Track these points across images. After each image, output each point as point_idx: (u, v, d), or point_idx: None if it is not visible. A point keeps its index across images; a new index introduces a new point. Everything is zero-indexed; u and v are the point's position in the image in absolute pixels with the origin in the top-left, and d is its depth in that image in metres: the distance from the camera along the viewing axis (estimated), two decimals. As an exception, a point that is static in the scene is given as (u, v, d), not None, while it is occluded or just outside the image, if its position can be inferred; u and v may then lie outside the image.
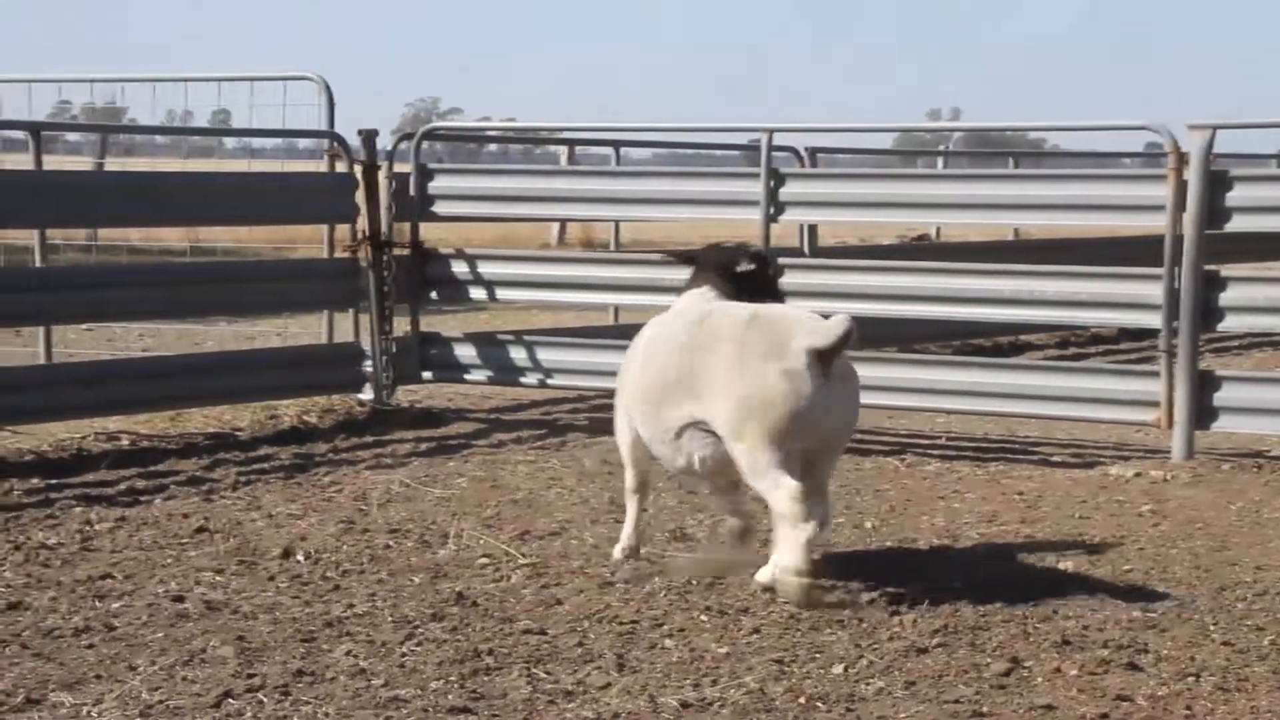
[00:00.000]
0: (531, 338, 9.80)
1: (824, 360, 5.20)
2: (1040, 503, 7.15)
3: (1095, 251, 12.22)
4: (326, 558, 5.92)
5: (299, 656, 4.68)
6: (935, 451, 8.52)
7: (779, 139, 9.88)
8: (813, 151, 12.49)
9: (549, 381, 9.60)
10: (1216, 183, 8.10)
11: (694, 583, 5.55)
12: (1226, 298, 8.14)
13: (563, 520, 6.66)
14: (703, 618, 5.13)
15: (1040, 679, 4.53)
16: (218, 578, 5.62)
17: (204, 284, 9.29)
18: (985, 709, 4.29)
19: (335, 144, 9.57)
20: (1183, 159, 8.09)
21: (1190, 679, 4.52)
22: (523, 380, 9.64)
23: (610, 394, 9.89)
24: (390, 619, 5.09)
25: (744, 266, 5.92)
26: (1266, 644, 4.86)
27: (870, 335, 10.85)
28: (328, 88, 9.81)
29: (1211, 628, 5.04)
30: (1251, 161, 16.51)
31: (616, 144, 14.08)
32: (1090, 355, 12.91)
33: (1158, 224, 8.20)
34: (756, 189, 8.99)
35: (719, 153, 16.82)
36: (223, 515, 6.67)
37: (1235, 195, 8.12)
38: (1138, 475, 7.74)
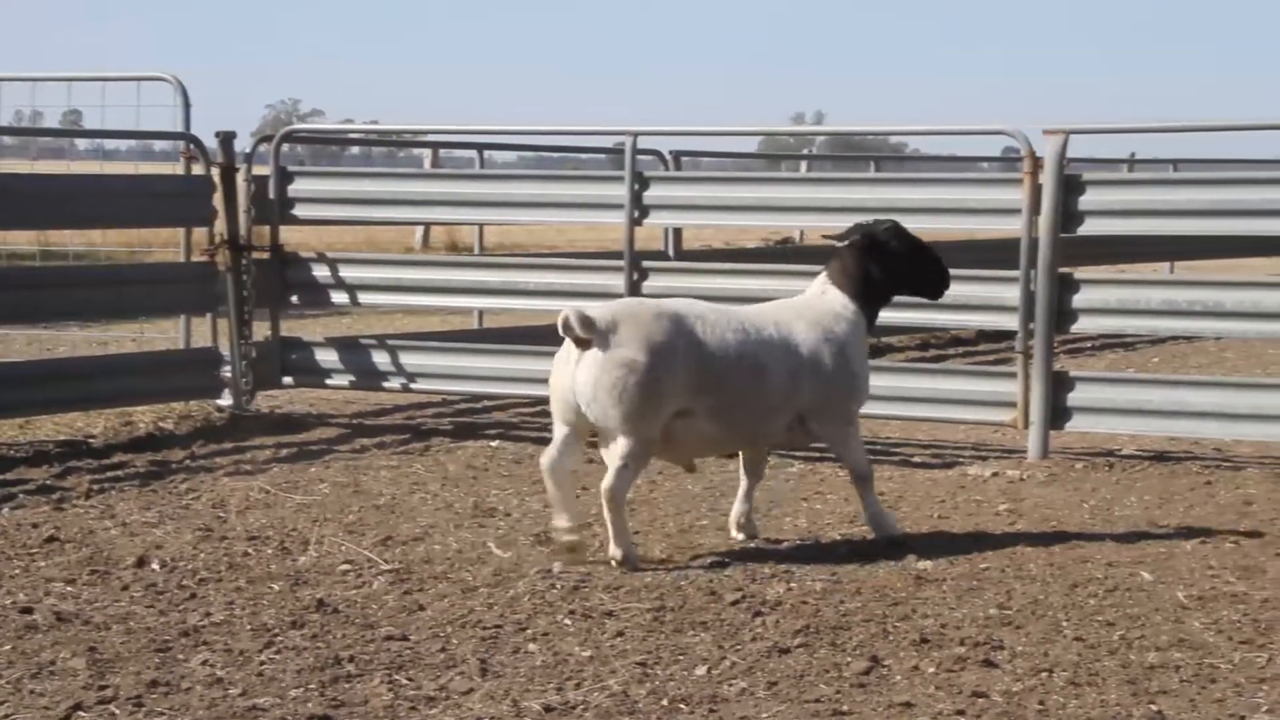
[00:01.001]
0: (395, 342, 9.74)
1: (579, 346, 5.95)
2: (901, 503, 7.25)
3: (955, 254, 12.40)
4: (183, 566, 5.83)
5: (153, 667, 4.61)
6: (798, 453, 8.60)
7: (643, 142, 9.93)
8: (677, 155, 12.57)
9: (412, 386, 9.55)
10: (1070, 187, 8.28)
11: (557, 586, 5.56)
12: (1080, 300, 8.32)
13: (426, 525, 6.63)
14: (566, 621, 5.14)
15: (899, 677, 4.60)
16: (68, 588, 5.52)
17: (55, 288, 9.08)
18: (845, 708, 4.34)
19: (191, 146, 9.44)
20: (1038, 163, 8.26)
21: (1044, 674, 4.61)
22: (386, 385, 9.57)
23: (474, 398, 9.97)
24: (249, 627, 5.03)
25: (840, 242, 6.54)
26: (1116, 639, 4.97)
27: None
28: (183, 89, 9.67)
29: (1064, 624, 5.15)
30: (1104, 166, 16.91)
31: (481, 146, 14.04)
32: (950, 357, 13.12)
33: (1014, 227, 8.37)
34: (621, 192, 9.02)
35: (584, 156, 16.83)
36: (74, 524, 6.54)
37: (1088, 199, 8.31)
38: (995, 475, 7.88)
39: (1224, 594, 5.51)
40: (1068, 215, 8.30)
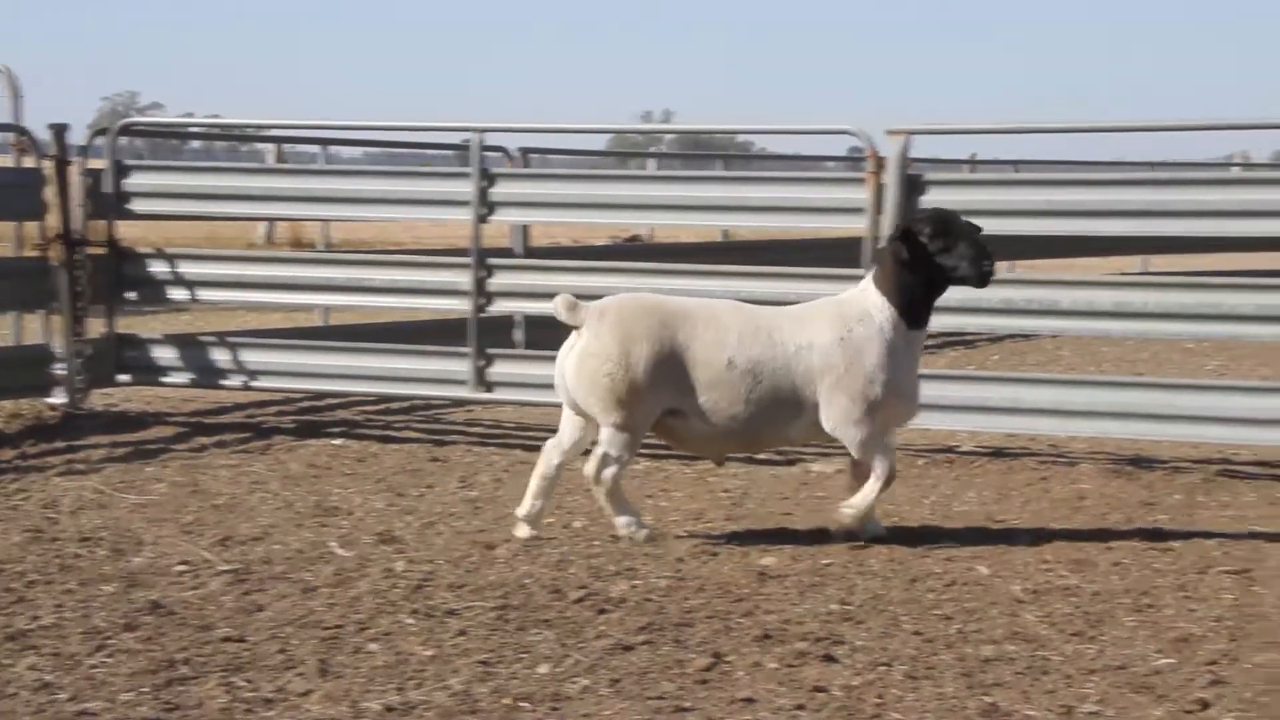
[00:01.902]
0: (235, 339, 9.59)
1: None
2: (745, 499, 7.31)
3: (799, 253, 12.54)
4: (10, 568, 5.69)
5: (-21, 673, 4.49)
6: (644, 451, 8.62)
7: (490, 139, 9.89)
8: (525, 152, 12.54)
9: (253, 384, 9.41)
10: (912, 186, 8.41)
11: (400, 586, 5.52)
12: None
13: (266, 525, 6.54)
14: (408, 621, 5.11)
15: (741, 673, 4.64)
16: (-108, 592, 5.35)
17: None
18: (688, 704, 4.37)
19: (21, 137, 9.20)
20: (881, 163, 8.38)
21: (882, 668, 4.68)
22: (225, 383, 9.43)
23: (317, 396, 9.86)
24: (79, 630, 4.92)
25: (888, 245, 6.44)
26: (954, 633, 5.06)
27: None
28: (13, 79, 9.42)
29: (904, 618, 5.23)
30: (947, 166, 17.22)
31: (325, 142, 13.88)
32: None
33: (859, 226, 8.47)
34: (468, 189, 8.98)
35: (431, 152, 16.72)
36: (-101, 527, 6.35)
37: (930, 199, 8.43)
38: (839, 471, 7.98)
39: (1057, 587, 5.64)
40: (911, 214, 8.41)
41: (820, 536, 6.44)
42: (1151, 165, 16.40)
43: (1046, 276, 8.76)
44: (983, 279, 6.36)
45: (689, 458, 8.35)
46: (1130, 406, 8.10)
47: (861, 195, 8.42)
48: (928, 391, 8.39)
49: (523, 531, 6.30)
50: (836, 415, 6.25)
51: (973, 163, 17.75)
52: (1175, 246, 17.65)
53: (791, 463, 8.27)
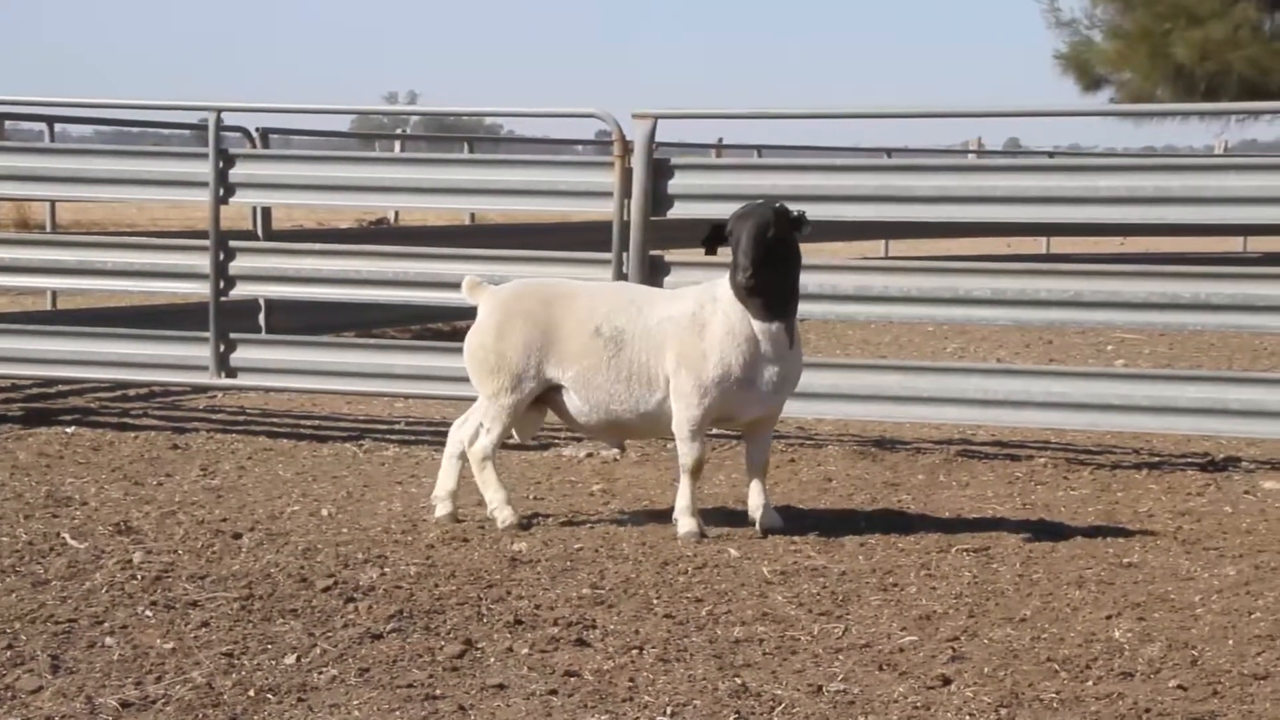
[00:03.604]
0: (-43, 323, 9.19)
1: None
2: (496, 485, 7.28)
3: (547, 237, 12.57)
4: None
5: None
6: (394, 436, 8.57)
7: (229, 119, 9.65)
8: (265, 132, 12.28)
9: (-23, 370, 9.03)
10: (659, 170, 8.49)
11: (138, 577, 5.36)
12: (671, 281, 8.52)
13: (-8, 518, 6.29)
14: (147, 613, 4.96)
15: (492, 659, 4.63)
16: None
17: None
18: (439, 692, 4.34)
19: None
20: (628, 147, 8.43)
21: (634, 652, 4.71)
22: (-53, 369, 9.02)
23: (47, 382, 9.51)
24: None
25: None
26: (704, 615, 5.13)
27: (328, 321, 10.88)
28: None
29: (655, 601, 5.28)
30: (694, 151, 17.43)
31: (51, 119, 13.37)
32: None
33: (607, 210, 8.52)
34: (205, 170, 8.75)
35: (168, 132, 16.27)
36: None
37: (676, 183, 8.53)
38: (589, 455, 8.02)
39: (805, 568, 5.76)
40: (657, 199, 8.50)
41: (572, 521, 6.46)
42: (889, 152, 16.88)
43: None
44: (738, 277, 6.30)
45: (439, 443, 8.30)
46: (874, 389, 8.30)
47: (608, 179, 8.47)
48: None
49: (442, 510, 6.45)
50: (675, 396, 6.28)
51: (719, 147, 18.02)
52: (916, 231, 18.23)
53: (544, 448, 8.28)
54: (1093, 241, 20.74)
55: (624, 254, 8.43)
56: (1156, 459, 8.09)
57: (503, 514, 6.36)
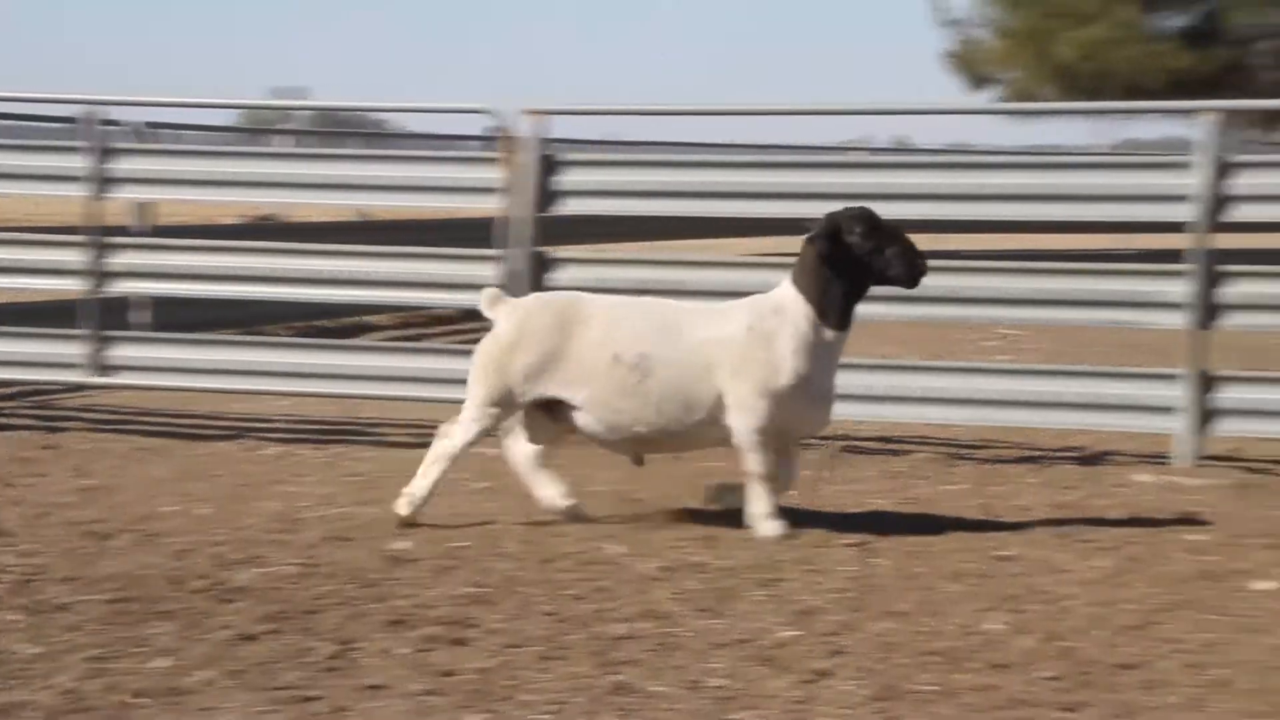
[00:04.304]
0: None
1: None
2: (379, 483, 7.23)
3: (435, 233, 12.52)
4: None
5: None
6: (274, 435, 8.48)
7: (110, 112, 9.51)
8: (147, 126, 12.10)
9: None
10: (549, 167, 8.48)
11: (4, 581, 5.26)
12: (560, 278, 8.53)
13: None
14: (14, 617, 4.86)
15: (370, 659, 4.59)
16: None
17: None
18: (314, 693, 4.29)
19: None
20: (517, 143, 8.41)
21: (515, 650, 4.69)
22: None
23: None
24: None
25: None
26: (586, 612, 5.12)
27: (211, 318, 10.74)
28: None
29: (537, 599, 5.26)
30: (585, 147, 17.40)
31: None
32: (431, 336, 13.20)
33: (496, 206, 8.50)
34: (82, 164, 8.62)
35: (47, 125, 15.94)
36: None
37: (567, 179, 8.53)
38: (474, 453, 7.97)
39: (688, 564, 5.77)
40: (547, 195, 8.49)
41: (455, 519, 6.42)
42: (779, 148, 16.93)
43: (680, 257, 8.97)
44: (914, 283, 6.27)
45: (320, 441, 8.23)
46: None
47: (496, 175, 8.44)
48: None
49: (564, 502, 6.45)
50: (734, 403, 6.19)
51: (611, 144, 18.03)
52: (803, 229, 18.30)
53: (426, 445, 8.21)
54: (985, 237, 20.97)
55: (512, 251, 8.40)
56: (1036, 453, 8.20)
57: (402, 504, 6.30)
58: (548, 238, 8.70)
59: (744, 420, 6.17)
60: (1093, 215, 8.26)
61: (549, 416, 6.42)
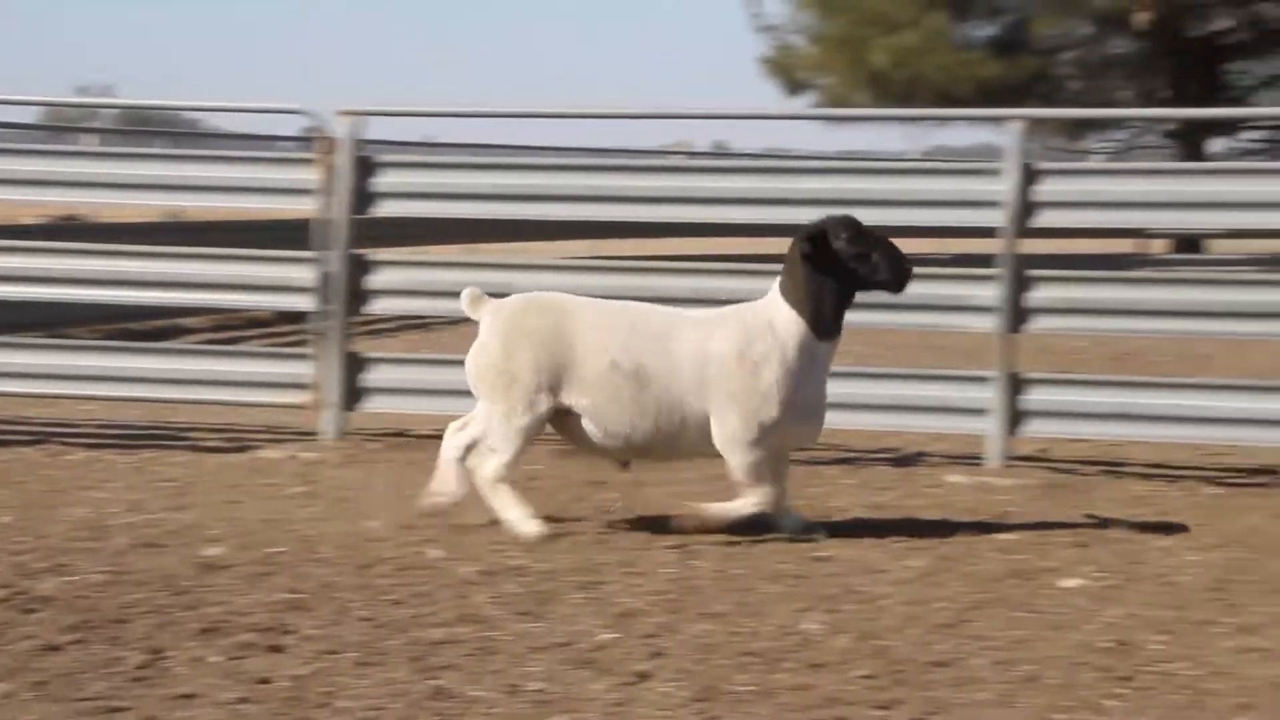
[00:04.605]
0: None
1: None
2: (190, 489, 7.09)
3: (249, 235, 12.31)
4: None
5: None
6: (80, 440, 8.25)
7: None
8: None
9: None
10: (365, 168, 8.39)
11: None
12: (376, 281, 8.45)
13: None
14: None
15: (181, 668, 4.49)
16: None
17: None
18: (122, 703, 4.18)
19: None
20: (333, 144, 8.31)
21: (332, 657, 4.63)
22: None
23: None
24: None
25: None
26: (404, 617, 5.07)
27: (14, 320, 10.42)
28: None
29: (354, 605, 5.19)
30: (401, 149, 17.27)
31: None
32: (247, 339, 12.99)
33: (311, 208, 8.39)
34: None
35: None
36: None
37: (384, 181, 8.45)
38: (290, 458, 7.87)
39: (508, 568, 5.74)
40: (363, 197, 8.40)
41: (271, 525, 6.31)
42: (600, 152, 17.02)
43: (496, 259, 8.94)
44: (900, 288, 6.21)
45: (129, 446, 8.05)
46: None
47: (312, 176, 8.34)
48: (382, 375, 8.44)
49: (528, 527, 6.19)
50: (725, 435, 6.11)
51: (430, 146, 17.92)
52: (629, 231, 18.40)
53: (241, 450, 8.09)
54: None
55: (328, 253, 8.30)
56: (851, 455, 8.32)
57: (527, 528, 6.14)
58: (367, 240, 8.62)
59: (737, 454, 6.12)
60: (905, 220, 8.40)
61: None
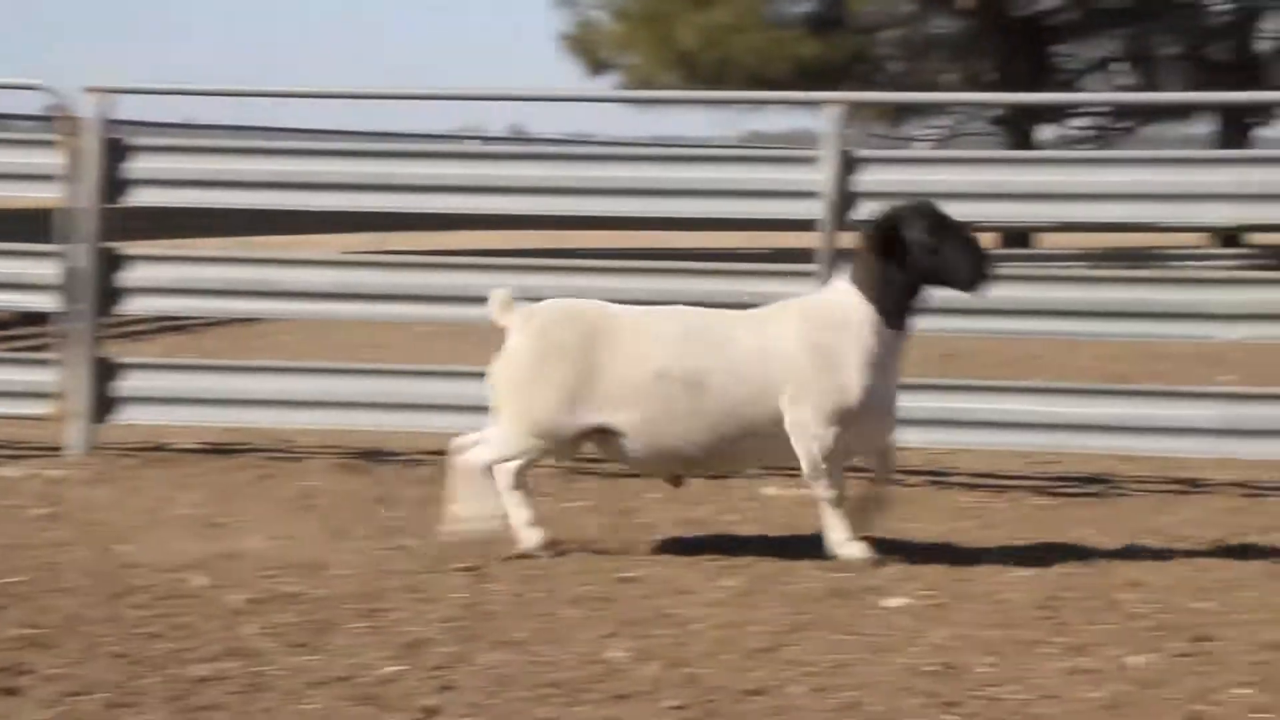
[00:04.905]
0: None
1: None
2: (-83, 513, 6.87)
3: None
4: None
5: None
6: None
7: None
8: None
9: None
10: (115, 152, 8.21)
11: None
12: (130, 278, 8.29)
13: None
14: None
15: (-97, 716, 4.34)
16: None
17: None
18: None
19: None
20: (78, 125, 8.13)
21: (76, 699, 4.51)
22: None
23: None
24: None
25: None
26: (162, 652, 4.96)
27: None
28: None
29: (104, 640, 5.07)
30: (159, 131, 16.96)
31: None
32: (-17, 343, 12.63)
33: (54, 195, 8.20)
34: None
35: None
36: None
37: (137, 166, 8.28)
38: (32, 476, 7.68)
39: (281, 595, 5.66)
40: (114, 183, 8.23)
41: (9, 552, 6.14)
42: (384, 136, 16.89)
43: (266, 254, 8.83)
44: (974, 286, 6.22)
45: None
46: (362, 396, 8.29)
47: (54, 160, 8.15)
48: (137, 382, 8.28)
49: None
50: (796, 429, 6.10)
51: (189, 128, 17.62)
52: (425, 223, 18.30)
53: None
54: (607, 235, 21.34)
55: (74, 246, 8.12)
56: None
57: (529, 543, 6.26)
58: (118, 231, 8.44)
59: (809, 449, 6.14)
60: (715, 211, 8.47)
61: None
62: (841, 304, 6.21)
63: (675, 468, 6.43)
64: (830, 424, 6.15)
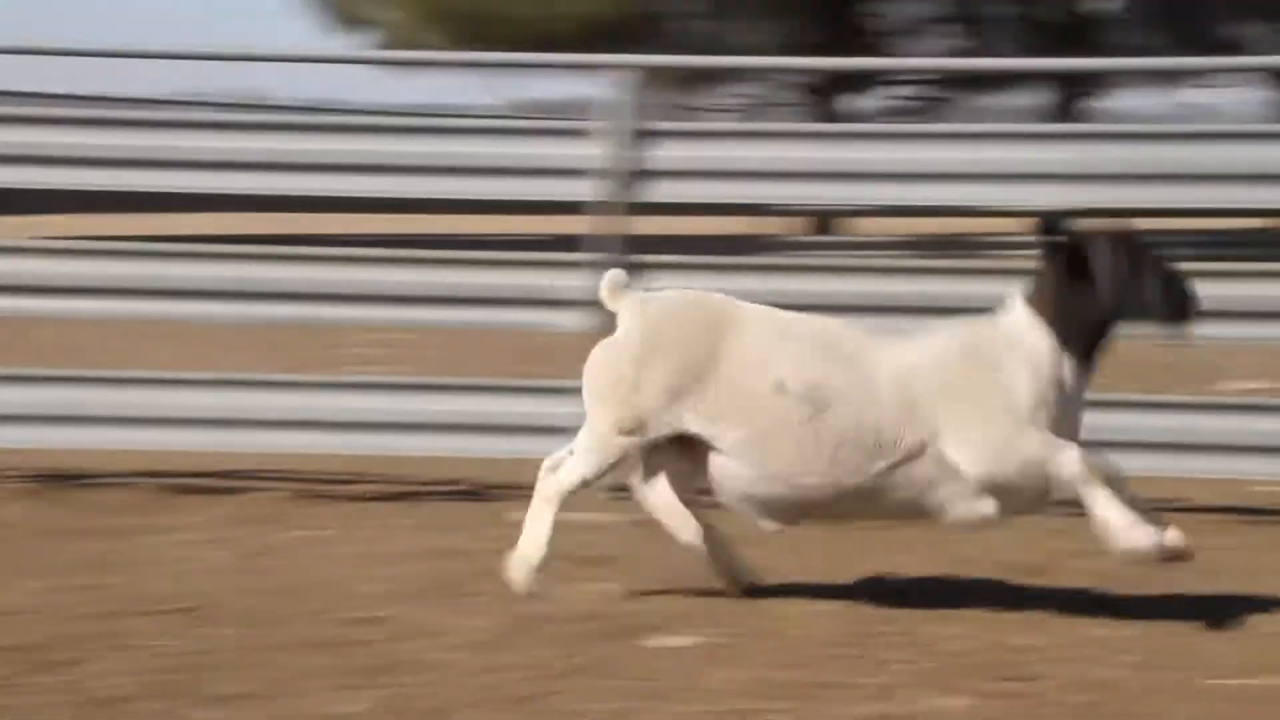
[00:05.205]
0: None
1: None
2: None
3: None
4: None
5: None
6: None
7: None
8: None
9: None
10: None
11: None
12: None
13: None
14: None
15: None
16: None
17: None
18: None
19: None
20: None
21: None
22: None
23: None
24: None
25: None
26: None
27: None
28: None
29: None
30: None
31: None
32: None
33: None
34: None
35: None
36: None
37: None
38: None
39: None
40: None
41: None
42: (92, 100, 16.53)
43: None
44: (1179, 320, 6.09)
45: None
46: (54, 408, 8.17)
47: None
48: None
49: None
50: (966, 445, 5.90)
51: None
52: (136, 204, 17.97)
53: None
54: (359, 218, 21.14)
55: None
56: (412, 489, 8.33)
57: (517, 573, 6.25)
58: None
59: (996, 465, 5.92)
60: (486, 192, 8.45)
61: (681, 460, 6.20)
62: (1013, 325, 6.12)
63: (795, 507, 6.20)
64: (1025, 408, 5.95)
